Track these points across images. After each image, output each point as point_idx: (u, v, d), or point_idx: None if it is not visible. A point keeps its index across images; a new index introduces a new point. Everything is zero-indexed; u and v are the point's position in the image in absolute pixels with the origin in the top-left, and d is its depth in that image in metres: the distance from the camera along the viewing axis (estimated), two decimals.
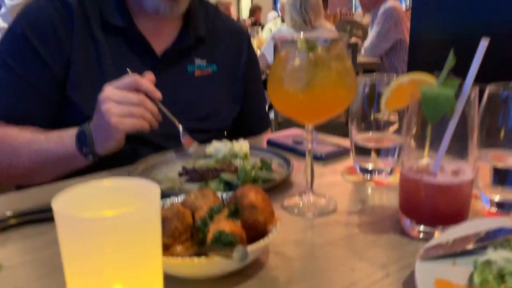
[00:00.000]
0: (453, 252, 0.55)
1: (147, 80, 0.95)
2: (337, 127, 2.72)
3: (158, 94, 0.95)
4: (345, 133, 1.12)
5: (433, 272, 0.52)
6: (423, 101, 0.59)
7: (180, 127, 1.04)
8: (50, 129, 1.03)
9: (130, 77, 0.92)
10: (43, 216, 0.73)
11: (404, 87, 0.65)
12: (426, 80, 0.63)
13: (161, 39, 1.15)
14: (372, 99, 0.86)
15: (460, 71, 0.62)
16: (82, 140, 0.95)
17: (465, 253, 0.55)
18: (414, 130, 0.66)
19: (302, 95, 0.69)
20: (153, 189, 0.42)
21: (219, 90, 1.24)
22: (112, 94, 0.91)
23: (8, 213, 0.72)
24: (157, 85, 1.12)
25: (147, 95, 0.94)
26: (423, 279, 0.50)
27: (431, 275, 0.51)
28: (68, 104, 1.06)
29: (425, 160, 0.67)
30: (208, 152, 1.02)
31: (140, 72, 1.11)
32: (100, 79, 1.05)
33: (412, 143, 0.67)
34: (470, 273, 0.53)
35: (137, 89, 0.92)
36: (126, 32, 1.11)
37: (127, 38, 1.11)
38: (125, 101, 0.91)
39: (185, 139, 1.04)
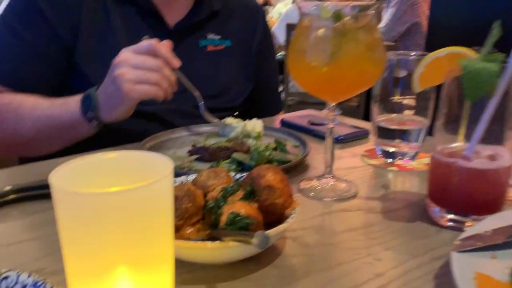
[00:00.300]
0: (493, 244, 0.50)
1: (166, 47, 0.89)
2: (349, 111, 2.65)
3: (176, 62, 0.89)
4: (356, 118, 1.06)
5: (471, 266, 0.47)
6: (464, 76, 0.53)
7: (200, 97, 1.00)
8: (54, 97, 0.98)
9: (148, 42, 0.87)
10: (44, 192, 0.69)
11: (441, 61, 0.59)
12: (466, 54, 0.57)
13: (174, 11, 1.10)
14: (398, 77, 0.80)
15: None
16: (87, 104, 0.90)
17: (506, 245, 0.50)
18: (448, 110, 0.60)
19: (326, 68, 0.63)
20: (165, 163, 0.37)
21: (232, 66, 1.19)
22: (128, 58, 0.85)
23: (7, 188, 0.68)
24: None
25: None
26: (461, 272, 0.45)
27: (469, 269, 0.46)
28: (75, 73, 1.02)
29: (459, 143, 0.61)
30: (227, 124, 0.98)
31: None
32: (109, 49, 1.01)
33: (445, 124, 0.61)
34: (511, 268, 0.47)
35: (155, 55, 0.87)
36: (138, 3, 1.06)
37: (139, 9, 1.07)
38: (142, 66, 0.85)
39: (205, 113, 1.01)
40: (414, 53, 0.81)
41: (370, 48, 0.64)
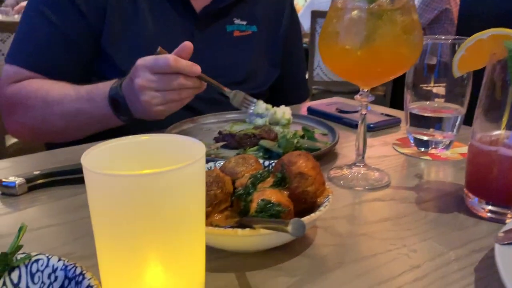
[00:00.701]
0: None
1: (183, 54, 0.86)
2: (374, 100, 2.58)
3: (196, 70, 0.86)
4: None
5: None
6: (509, 59, 0.50)
7: (229, 92, 0.96)
8: (80, 82, 0.98)
9: (165, 59, 0.83)
10: (72, 177, 0.68)
11: (484, 44, 0.56)
12: (511, 36, 0.54)
13: None
14: (432, 62, 0.77)
15: None
16: (118, 109, 0.90)
17: None
18: (490, 96, 0.57)
19: (360, 52, 0.60)
20: (197, 147, 0.36)
21: (258, 52, 1.17)
22: (148, 82, 0.83)
23: (36, 172, 0.68)
24: (195, 44, 1.06)
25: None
26: (507, 267, 0.43)
27: None
28: (101, 57, 1.02)
29: (500, 131, 0.58)
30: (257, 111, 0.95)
31: (177, 29, 1.05)
32: (136, 34, 1.00)
33: (486, 111, 0.58)
34: None
35: (174, 71, 0.84)
36: None
37: None
38: (164, 88, 0.84)
39: (234, 99, 0.96)
40: (444, 37, 0.77)
41: (406, 30, 0.61)
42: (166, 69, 0.83)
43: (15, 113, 1.05)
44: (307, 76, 2.92)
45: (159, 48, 0.87)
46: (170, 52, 0.87)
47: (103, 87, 0.92)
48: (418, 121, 0.81)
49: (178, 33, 1.05)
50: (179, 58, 0.84)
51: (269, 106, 0.97)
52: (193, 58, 0.93)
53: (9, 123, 1.06)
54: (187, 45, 0.86)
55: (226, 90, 0.95)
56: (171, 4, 1.06)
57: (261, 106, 0.96)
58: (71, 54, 1.01)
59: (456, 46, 0.75)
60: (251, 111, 0.97)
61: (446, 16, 3.21)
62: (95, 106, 0.92)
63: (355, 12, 0.61)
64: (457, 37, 0.77)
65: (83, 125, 0.96)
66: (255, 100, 0.97)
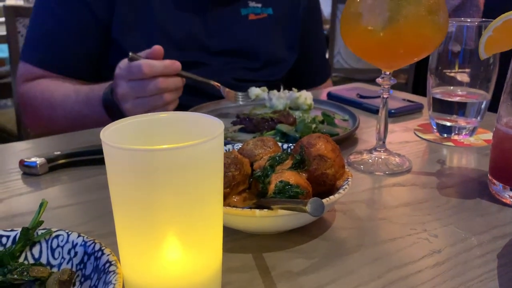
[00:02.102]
0: None
1: (156, 58, 0.83)
2: (395, 88, 2.54)
3: (176, 67, 0.84)
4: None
5: None
6: None
7: (217, 84, 0.94)
8: (93, 76, 0.98)
9: (138, 67, 0.81)
10: (92, 158, 0.69)
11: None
12: None
13: None
14: (459, 45, 0.74)
15: None
16: (115, 115, 0.88)
17: None
18: None
19: (383, 33, 0.59)
20: (215, 124, 0.35)
21: (275, 36, 1.14)
22: (127, 91, 0.83)
23: (57, 153, 0.69)
24: (208, 29, 1.04)
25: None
26: None
27: None
28: (112, 48, 1.01)
29: None
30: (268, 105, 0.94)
31: (190, 15, 1.02)
32: (148, 21, 0.99)
33: None
34: None
35: (150, 76, 0.82)
36: None
37: None
38: (144, 94, 0.83)
39: (227, 93, 0.95)
40: (469, 19, 0.75)
41: (431, 11, 0.59)
42: (140, 76, 0.81)
43: (26, 112, 1.07)
44: None
45: (130, 54, 0.83)
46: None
47: (98, 91, 0.91)
48: (441, 106, 0.79)
49: (190, 19, 1.03)
50: (153, 62, 0.81)
51: (264, 88, 0.95)
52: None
53: (24, 119, 1.08)
54: (156, 49, 0.83)
55: (214, 83, 0.93)
56: None
57: (254, 91, 0.95)
58: (80, 48, 1.00)
59: (483, 28, 0.73)
60: (241, 103, 0.95)
61: (471, 2, 3.13)
62: (93, 110, 0.92)
63: None
64: (483, 19, 0.74)
65: (88, 126, 0.95)
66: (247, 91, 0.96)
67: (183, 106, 0.92)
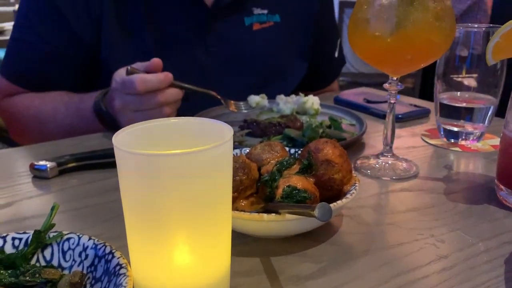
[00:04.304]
0: None
1: (154, 71, 0.81)
2: (403, 92, 2.54)
3: (166, 80, 0.80)
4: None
5: None
6: None
7: (216, 95, 0.91)
8: (77, 87, 0.95)
9: (131, 83, 0.79)
10: (102, 161, 0.70)
11: None
12: None
13: None
14: (467, 50, 0.75)
15: None
16: (108, 124, 0.87)
17: None
18: None
19: (390, 38, 0.59)
20: (225, 130, 0.36)
21: (283, 47, 1.07)
22: (125, 104, 0.81)
23: (67, 156, 0.70)
24: (210, 43, 1.00)
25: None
26: None
27: None
28: (99, 69, 0.97)
29: None
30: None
31: (189, 28, 0.96)
32: (141, 40, 0.95)
33: None
34: None
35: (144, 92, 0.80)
36: None
37: None
38: (141, 108, 0.81)
39: (228, 103, 0.93)
40: (477, 25, 0.75)
41: (439, 17, 0.59)
42: (134, 92, 0.79)
43: (11, 127, 1.03)
44: None
45: (129, 68, 0.81)
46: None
47: (89, 101, 0.89)
48: (449, 111, 0.79)
49: (189, 32, 0.98)
50: (147, 78, 0.79)
51: (264, 95, 0.95)
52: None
53: (9, 133, 1.04)
54: (155, 61, 0.81)
55: (214, 94, 0.90)
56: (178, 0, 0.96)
57: (254, 99, 0.95)
58: (63, 69, 0.96)
59: (490, 34, 0.73)
60: (245, 111, 0.95)
61: (479, 7, 3.12)
62: (85, 122, 0.89)
63: None
64: (490, 25, 0.74)
65: (81, 135, 0.91)
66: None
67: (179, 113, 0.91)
